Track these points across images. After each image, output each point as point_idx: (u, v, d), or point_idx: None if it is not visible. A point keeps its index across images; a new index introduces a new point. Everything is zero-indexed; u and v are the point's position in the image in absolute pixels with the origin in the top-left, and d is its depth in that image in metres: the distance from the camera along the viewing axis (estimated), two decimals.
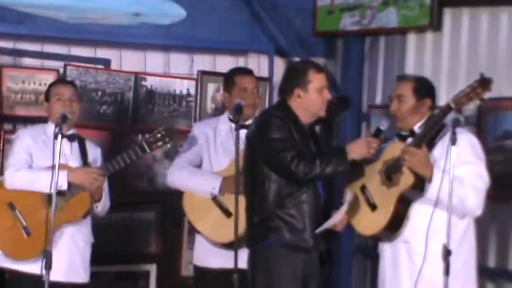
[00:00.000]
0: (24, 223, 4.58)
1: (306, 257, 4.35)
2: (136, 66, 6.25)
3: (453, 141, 3.96)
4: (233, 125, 4.62)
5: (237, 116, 4.61)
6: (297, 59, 6.33)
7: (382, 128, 4.33)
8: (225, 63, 6.50)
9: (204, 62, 6.49)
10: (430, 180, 4.13)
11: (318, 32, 6.72)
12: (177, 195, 5.16)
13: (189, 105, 6.35)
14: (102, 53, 6.14)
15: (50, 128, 4.71)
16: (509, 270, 5.60)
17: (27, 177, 4.63)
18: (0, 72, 5.69)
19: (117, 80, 6.10)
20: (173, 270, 6.26)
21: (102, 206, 4.77)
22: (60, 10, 5.86)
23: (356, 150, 4.24)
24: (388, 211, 4.25)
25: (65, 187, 4.57)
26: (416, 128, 4.33)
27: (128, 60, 6.22)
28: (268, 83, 6.37)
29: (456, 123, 4.01)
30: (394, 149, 4.31)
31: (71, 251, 4.68)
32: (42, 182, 4.47)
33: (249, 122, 4.86)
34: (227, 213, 4.85)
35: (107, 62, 6.14)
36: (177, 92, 6.33)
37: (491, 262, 5.69)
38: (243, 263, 4.47)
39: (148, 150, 4.74)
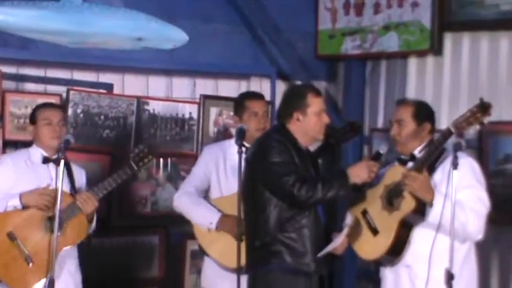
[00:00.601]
0: (26, 252, 4.50)
1: (307, 281, 4.35)
2: (138, 91, 6.28)
3: (455, 165, 3.96)
4: (243, 148, 4.63)
5: (240, 139, 4.61)
6: (299, 83, 6.35)
7: (381, 151, 4.34)
8: (227, 87, 6.56)
9: (206, 86, 6.52)
10: (431, 204, 4.13)
11: (319, 56, 6.76)
12: (180, 219, 5.17)
13: (192, 129, 6.37)
14: (104, 77, 6.17)
15: (35, 152, 4.68)
16: None
17: None
18: (3, 97, 5.70)
19: (120, 104, 6.12)
20: None
21: (93, 227, 4.73)
22: (62, 35, 5.86)
23: (357, 174, 4.24)
24: (390, 236, 4.25)
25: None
26: (417, 152, 4.34)
27: (130, 85, 6.25)
28: (271, 107, 6.39)
29: (457, 147, 4.02)
30: (394, 174, 4.32)
31: (65, 276, 4.63)
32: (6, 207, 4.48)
33: None
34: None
35: (109, 87, 6.16)
36: (180, 116, 6.35)
37: (494, 285, 5.69)
38: None
39: (136, 168, 4.70)
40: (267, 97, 6.15)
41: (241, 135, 4.65)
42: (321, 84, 6.73)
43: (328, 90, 6.89)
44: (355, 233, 4.46)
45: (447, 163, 4.24)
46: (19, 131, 5.75)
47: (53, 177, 4.61)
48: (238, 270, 4.47)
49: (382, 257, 4.34)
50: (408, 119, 4.38)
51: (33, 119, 4.74)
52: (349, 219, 4.57)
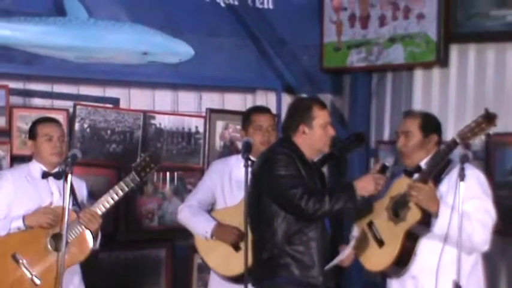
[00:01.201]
0: (33, 273, 4.47)
1: None
2: (145, 105, 6.29)
3: (462, 177, 3.96)
4: (249, 162, 4.64)
5: (246, 153, 4.62)
6: (304, 96, 6.36)
7: (387, 164, 4.33)
8: (233, 100, 6.57)
9: (212, 99, 6.54)
10: (436, 215, 4.12)
11: (325, 69, 6.77)
12: (186, 233, 5.18)
13: (198, 143, 6.38)
14: (111, 92, 6.18)
15: (35, 166, 4.67)
16: None
17: None
18: (11, 113, 5.72)
19: (126, 119, 6.14)
20: None
21: (98, 241, 4.69)
22: (68, 50, 5.91)
23: (364, 186, 4.23)
24: (396, 247, 4.24)
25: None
26: (423, 164, 4.33)
27: (136, 99, 6.27)
28: (277, 120, 6.39)
29: (465, 159, 4.02)
30: (400, 185, 4.31)
31: None
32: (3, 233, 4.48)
33: None
34: (236, 248, 4.86)
35: (115, 101, 6.18)
36: (186, 129, 6.36)
37: None
38: None
39: (138, 179, 4.65)
40: (273, 110, 6.15)
41: (247, 149, 4.67)
42: (327, 97, 6.75)
43: (334, 103, 6.90)
44: (361, 245, 4.45)
45: (453, 174, 4.24)
46: (26, 146, 5.77)
47: (53, 192, 4.64)
48: (246, 281, 4.46)
49: (388, 269, 4.33)
50: (415, 131, 4.38)
51: (32, 134, 4.72)
52: (356, 232, 4.57)
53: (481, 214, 4.19)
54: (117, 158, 6.07)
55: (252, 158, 4.66)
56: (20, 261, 4.48)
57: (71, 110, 5.93)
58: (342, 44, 6.67)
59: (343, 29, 6.69)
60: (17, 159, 5.76)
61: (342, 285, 6.37)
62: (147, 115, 6.23)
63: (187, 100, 6.46)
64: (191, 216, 5.04)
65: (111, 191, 4.62)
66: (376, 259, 4.39)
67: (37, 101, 5.93)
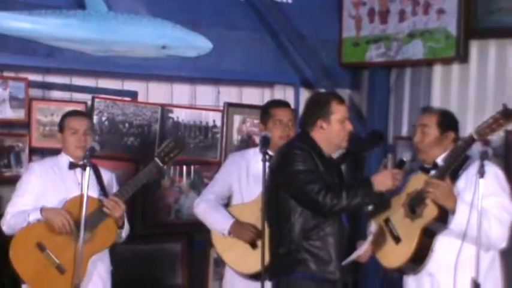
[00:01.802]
0: (57, 261, 4.52)
1: None
2: (163, 98, 6.30)
3: (481, 173, 3.94)
4: (267, 156, 4.62)
5: (264, 147, 4.60)
6: (322, 91, 6.34)
7: (405, 159, 4.31)
8: (251, 95, 6.57)
9: (230, 93, 6.54)
10: (453, 212, 4.11)
11: (343, 64, 6.75)
12: (203, 227, 5.18)
13: (215, 137, 6.39)
14: (129, 85, 6.20)
15: (63, 159, 4.73)
16: None
17: (13, 221, 4.61)
18: (30, 105, 5.75)
19: (144, 112, 6.15)
20: None
21: (125, 231, 4.75)
22: (87, 43, 5.92)
23: (381, 182, 4.21)
24: (412, 243, 4.23)
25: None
26: (439, 160, 4.31)
27: (154, 93, 6.28)
28: (295, 115, 6.38)
29: (484, 156, 4.00)
30: (417, 182, 4.30)
31: (97, 282, 4.68)
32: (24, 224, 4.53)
33: None
34: (253, 245, 4.86)
35: (134, 94, 6.19)
36: (203, 123, 6.37)
37: None
38: None
39: (162, 164, 4.67)
40: (291, 105, 6.14)
41: (265, 143, 4.63)
42: (345, 92, 6.73)
43: (352, 98, 6.88)
44: (378, 241, 4.44)
45: (471, 170, 4.23)
46: (45, 138, 5.80)
47: (80, 183, 4.63)
48: (263, 278, 4.46)
49: (405, 265, 4.32)
50: (432, 127, 4.37)
51: (61, 127, 4.80)
52: (373, 227, 4.56)
53: (499, 211, 4.16)
54: (135, 151, 6.09)
55: (269, 152, 4.65)
56: (45, 249, 4.53)
57: (89, 102, 5.95)
58: (360, 39, 6.64)
59: (362, 24, 6.67)
60: (35, 152, 5.79)
61: (359, 281, 6.38)
62: (165, 109, 6.24)
63: (205, 94, 6.47)
64: (209, 211, 5.03)
65: (134, 178, 4.67)
66: (392, 256, 4.38)
67: (56, 94, 5.95)
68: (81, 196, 4.45)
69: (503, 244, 4.22)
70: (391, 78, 6.67)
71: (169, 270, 6.23)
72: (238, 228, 4.86)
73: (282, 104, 5.23)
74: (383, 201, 4.37)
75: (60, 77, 5.96)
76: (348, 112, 4.46)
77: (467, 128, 5.35)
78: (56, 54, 5.92)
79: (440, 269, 4.23)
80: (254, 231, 4.80)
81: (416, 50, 6.35)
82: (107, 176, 4.87)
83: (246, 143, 6.40)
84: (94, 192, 4.68)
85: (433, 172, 4.27)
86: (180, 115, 6.30)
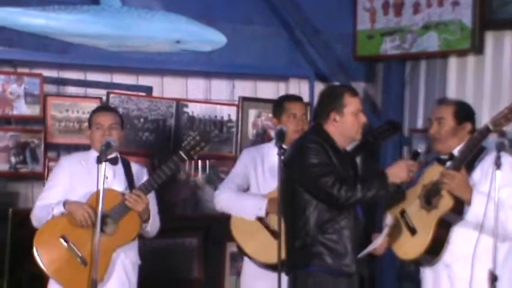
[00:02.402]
0: (80, 254, 4.57)
1: (348, 282, 4.30)
2: (177, 93, 6.30)
3: (498, 165, 3.92)
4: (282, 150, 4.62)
5: (279, 141, 4.60)
6: (337, 84, 6.32)
7: (419, 150, 4.30)
8: (266, 89, 6.56)
9: (245, 88, 6.53)
10: (469, 203, 4.09)
11: (358, 57, 6.72)
12: (219, 221, 5.19)
13: (231, 131, 6.39)
14: (144, 80, 6.21)
15: (92, 154, 4.74)
16: None
17: (39, 214, 4.69)
18: (45, 101, 5.78)
19: (159, 107, 6.16)
20: None
21: (151, 225, 4.75)
22: (101, 39, 5.94)
23: (396, 173, 4.20)
24: (428, 235, 4.22)
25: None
26: (456, 151, 4.30)
27: (169, 87, 6.28)
28: (309, 108, 6.37)
29: (501, 147, 3.98)
30: (433, 173, 4.29)
31: (120, 275, 4.69)
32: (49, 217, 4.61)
33: None
34: (274, 235, 4.85)
35: (148, 89, 6.20)
36: (219, 118, 6.37)
37: None
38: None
39: (186, 158, 4.69)
40: (306, 99, 6.15)
41: (281, 137, 4.63)
42: (360, 85, 6.71)
43: (367, 91, 6.86)
44: (393, 233, 4.43)
45: (486, 161, 4.21)
46: (61, 134, 5.83)
47: (108, 177, 4.66)
48: (280, 270, 4.45)
49: (421, 257, 4.31)
50: (449, 118, 4.36)
51: (89, 123, 4.86)
52: (389, 220, 4.54)
53: None
54: (150, 146, 6.11)
55: (284, 146, 4.64)
56: (68, 242, 4.58)
57: (104, 98, 5.97)
58: (375, 31, 6.61)
59: (376, 17, 6.64)
60: (51, 147, 5.83)
61: (376, 274, 6.37)
62: (180, 103, 6.24)
63: (220, 88, 6.47)
64: (236, 197, 5.02)
65: (158, 171, 4.69)
66: (408, 247, 4.37)
67: (71, 90, 5.98)
68: (107, 190, 4.50)
69: None
70: (406, 70, 6.64)
71: (185, 264, 6.24)
72: (275, 206, 4.68)
73: (295, 98, 5.24)
74: (398, 194, 4.36)
75: (75, 72, 5.99)
76: (362, 104, 4.44)
77: (483, 119, 5.30)
78: (70, 50, 5.95)
79: (457, 260, 4.22)
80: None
81: (431, 42, 6.32)
82: (138, 170, 4.90)
83: (261, 137, 6.39)
84: (121, 186, 4.73)
85: (449, 163, 4.25)
86: (195, 110, 6.30)
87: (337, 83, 6.35)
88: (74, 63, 5.95)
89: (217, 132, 6.35)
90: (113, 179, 4.74)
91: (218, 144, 6.34)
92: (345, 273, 4.28)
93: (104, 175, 4.27)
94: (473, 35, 6.09)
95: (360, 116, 4.39)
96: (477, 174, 4.22)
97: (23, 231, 5.40)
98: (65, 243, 4.59)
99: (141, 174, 4.87)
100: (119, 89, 6.07)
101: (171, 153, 6.02)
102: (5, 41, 5.75)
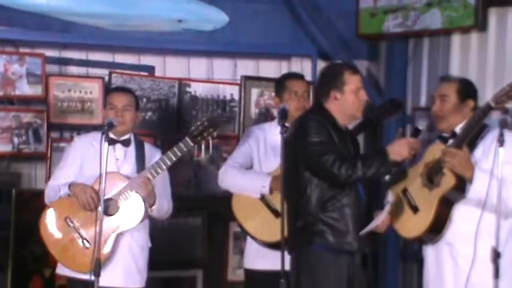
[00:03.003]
0: (83, 236, 4.60)
1: (350, 260, 4.32)
2: (180, 73, 6.29)
3: (501, 142, 3.92)
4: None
5: (282, 119, 4.58)
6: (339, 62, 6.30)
7: (420, 128, 4.30)
8: (268, 67, 6.54)
9: (247, 67, 6.51)
10: (471, 181, 4.09)
11: (361, 35, 6.68)
12: (222, 201, 5.18)
13: (233, 111, 6.38)
14: (146, 60, 6.21)
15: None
16: None
17: (49, 194, 4.73)
18: (47, 81, 5.77)
19: (161, 87, 6.15)
20: (220, 275, 6.29)
21: (158, 209, 4.73)
22: (103, 18, 5.90)
23: (397, 151, 4.19)
24: (430, 213, 4.22)
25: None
26: (458, 129, 4.29)
27: (171, 67, 6.28)
28: (312, 87, 6.34)
29: (503, 124, 3.97)
30: (435, 151, 4.28)
31: (126, 257, 4.69)
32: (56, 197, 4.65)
33: None
34: (276, 214, 4.86)
35: (151, 69, 6.20)
36: (221, 97, 6.36)
37: None
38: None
39: (192, 144, 4.68)
40: (308, 77, 6.12)
41: (283, 116, 4.60)
42: (363, 64, 6.67)
43: (370, 69, 6.83)
44: (396, 211, 4.43)
45: (488, 139, 4.20)
46: (64, 114, 5.83)
47: (118, 158, 4.70)
48: (283, 248, 4.45)
49: (423, 235, 4.31)
50: (452, 95, 4.35)
51: (104, 103, 4.87)
52: (390, 197, 4.54)
53: None
54: (153, 126, 6.10)
55: (287, 125, 4.63)
56: (72, 224, 4.61)
57: (106, 78, 5.96)
58: (378, 9, 6.57)
59: None
60: (54, 127, 5.83)
61: (380, 252, 6.38)
62: (182, 83, 6.23)
63: (222, 67, 6.45)
64: (240, 174, 5.02)
65: (163, 156, 4.67)
66: (410, 226, 4.38)
67: (73, 69, 5.98)
68: (113, 173, 4.53)
69: None
70: (409, 48, 6.60)
71: (189, 244, 6.25)
72: (280, 183, 4.67)
73: (297, 76, 5.23)
74: (399, 171, 4.35)
75: (77, 52, 5.99)
76: (362, 82, 4.43)
77: (486, 96, 5.25)
78: (72, 29, 5.94)
79: (459, 238, 4.22)
80: None
81: (434, 19, 6.27)
82: (152, 153, 4.86)
83: (264, 116, 6.37)
84: (130, 168, 4.73)
85: (451, 141, 4.24)
86: (198, 89, 6.29)
87: (339, 61, 6.33)
88: (75, 42, 5.94)
89: (220, 111, 6.34)
90: (123, 160, 4.73)
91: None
92: (346, 251, 4.29)
93: (107, 156, 4.24)
94: (476, 12, 6.04)
95: (361, 93, 4.38)
96: (479, 151, 4.21)
97: (26, 211, 5.45)
98: (68, 225, 4.61)
99: (154, 156, 4.83)
100: (121, 69, 6.06)
101: (174, 133, 6.10)
102: (6, 20, 5.73)
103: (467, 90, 4.40)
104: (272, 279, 4.67)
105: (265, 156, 5.07)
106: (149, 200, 4.65)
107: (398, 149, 4.19)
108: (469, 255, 4.17)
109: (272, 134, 4.99)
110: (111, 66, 6.03)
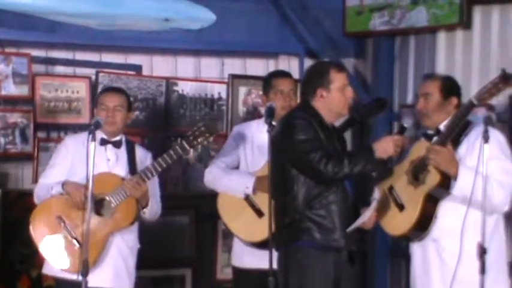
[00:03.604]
0: (74, 235, 4.59)
1: (337, 256, 4.34)
2: (167, 72, 6.29)
3: (486, 139, 3.94)
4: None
5: (269, 118, 4.58)
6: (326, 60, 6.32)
7: (406, 125, 4.33)
8: (255, 66, 6.55)
9: (234, 65, 6.52)
10: (455, 178, 4.12)
11: (347, 33, 6.70)
12: (211, 199, 5.18)
13: (221, 109, 6.38)
14: (133, 59, 6.20)
15: (97, 134, 4.67)
16: None
17: (39, 192, 4.72)
18: (34, 81, 5.76)
19: (149, 86, 6.15)
20: (208, 274, 6.29)
21: (150, 211, 4.75)
22: (90, 17, 5.90)
23: (383, 148, 4.23)
24: (416, 211, 4.24)
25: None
26: (442, 126, 4.32)
27: (159, 66, 6.27)
28: (299, 85, 6.35)
29: (488, 121, 4.00)
30: (420, 149, 4.30)
31: (116, 259, 4.69)
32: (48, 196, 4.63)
33: None
34: (259, 213, 4.88)
35: (138, 68, 6.19)
36: (209, 96, 6.37)
37: None
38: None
39: (188, 148, 4.68)
40: (296, 75, 6.12)
41: (270, 114, 4.60)
42: (350, 61, 6.69)
43: (357, 67, 6.85)
44: (382, 209, 4.45)
45: (472, 136, 4.23)
46: (50, 114, 5.82)
47: (110, 159, 4.70)
48: (271, 245, 4.45)
49: (409, 233, 4.34)
50: (435, 93, 4.38)
51: (96, 103, 4.83)
52: (377, 194, 4.56)
53: (501, 175, 4.17)
54: (141, 125, 6.09)
55: (274, 123, 4.64)
56: (64, 223, 4.60)
57: (93, 77, 5.96)
58: (364, 7, 6.58)
59: None
60: (41, 127, 5.81)
61: (368, 249, 6.40)
62: (170, 82, 6.23)
63: (210, 66, 6.45)
64: (224, 174, 5.03)
65: (159, 159, 4.65)
66: (396, 223, 4.40)
67: (59, 69, 5.97)
68: (107, 174, 4.55)
69: (505, 208, 4.24)
70: (396, 46, 6.62)
71: (177, 243, 6.25)
72: (262, 183, 4.75)
73: (283, 74, 5.24)
74: (385, 168, 4.38)
75: (63, 52, 5.98)
76: (348, 79, 4.45)
77: (472, 93, 5.26)
78: (58, 29, 5.92)
79: (444, 235, 4.25)
80: None
81: (420, 17, 6.29)
82: (142, 154, 4.86)
83: (252, 114, 6.38)
84: (123, 170, 4.72)
85: (435, 139, 4.27)
86: (185, 88, 6.29)
87: (326, 59, 6.35)
88: (62, 42, 5.93)
89: (208, 110, 6.35)
90: (115, 162, 4.74)
91: (209, 122, 6.31)
92: (333, 248, 4.31)
93: (94, 154, 4.18)
94: (461, 10, 6.06)
95: (347, 91, 4.40)
96: (463, 148, 4.24)
97: (13, 212, 5.43)
98: (60, 224, 4.60)
99: (144, 159, 4.84)
100: (108, 68, 6.05)
101: (161, 132, 6.11)
102: None
103: (450, 87, 4.43)
104: (260, 276, 4.70)
105: (252, 155, 5.07)
106: (142, 202, 4.66)
107: (384, 146, 4.22)
108: (455, 252, 4.21)
109: (259, 133, 5.00)
110: (98, 65, 6.02)
